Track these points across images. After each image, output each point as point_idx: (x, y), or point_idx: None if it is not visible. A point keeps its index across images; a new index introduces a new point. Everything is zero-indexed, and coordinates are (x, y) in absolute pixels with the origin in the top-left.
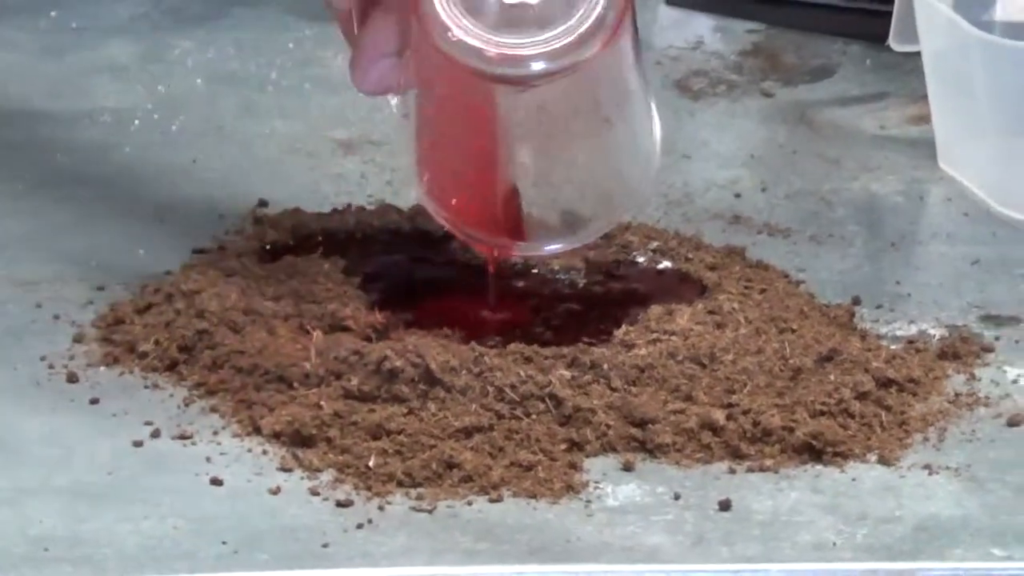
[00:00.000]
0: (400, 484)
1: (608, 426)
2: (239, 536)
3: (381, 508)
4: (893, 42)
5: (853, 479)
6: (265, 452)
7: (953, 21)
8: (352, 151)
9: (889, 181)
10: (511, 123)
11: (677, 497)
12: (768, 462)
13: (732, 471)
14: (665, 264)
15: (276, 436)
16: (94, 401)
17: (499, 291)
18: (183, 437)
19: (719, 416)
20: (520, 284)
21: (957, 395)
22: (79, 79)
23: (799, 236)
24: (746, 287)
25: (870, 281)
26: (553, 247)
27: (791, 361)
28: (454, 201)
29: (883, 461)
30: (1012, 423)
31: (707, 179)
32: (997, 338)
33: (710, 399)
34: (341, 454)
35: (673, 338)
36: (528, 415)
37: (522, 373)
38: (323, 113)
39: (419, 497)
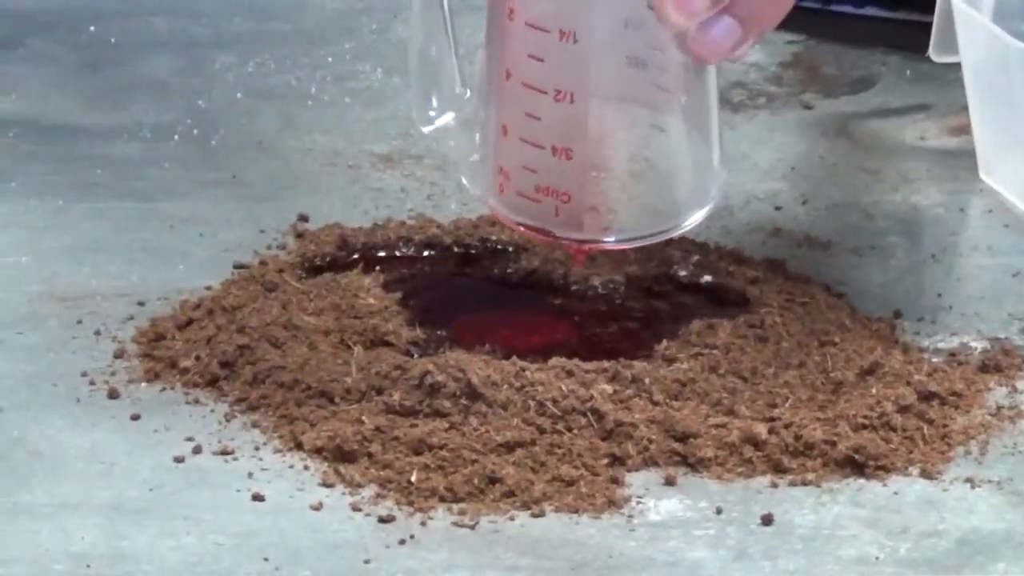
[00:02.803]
0: (442, 499)
1: (650, 440)
2: (281, 552)
3: (423, 524)
4: (933, 53)
5: (895, 493)
6: (307, 468)
7: (993, 32)
8: (392, 165)
9: (930, 193)
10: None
11: (719, 511)
12: (810, 476)
13: (774, 485)
14: (706, 278)
15: (318, 451)
16: (135, 417)
17: (541, 307)
18: (224, 453)
19: (761, 430)
20: (561, 299)
21: (999, 408)
22: (118, 94)
23: (840, 249)
24: (787, 300)
25: (911, 294)
26: (633, 242)
27: (833, 375)
28: (536, 200)
29: (925, 474)
30: None
31: (747, 192)
32: None
33: (752, 413)
34: (383, 469)
35: (714, 352)
36: (570, 429)
37: (564, 388)
38: (363, 127)
39: (461, 512)
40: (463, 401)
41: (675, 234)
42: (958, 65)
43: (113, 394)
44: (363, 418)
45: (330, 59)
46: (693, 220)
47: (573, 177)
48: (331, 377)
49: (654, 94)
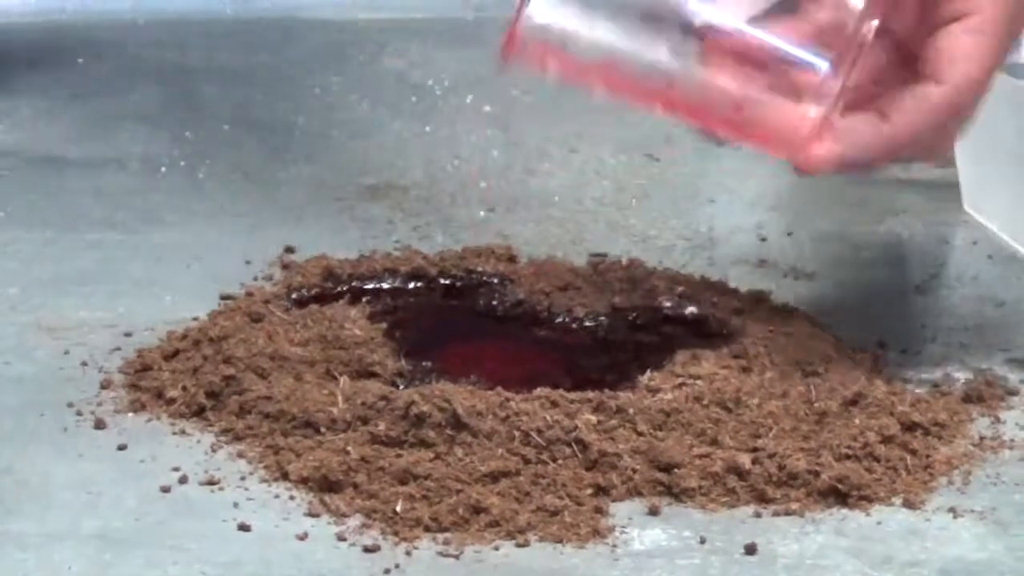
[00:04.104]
0: (427, 529)
1: (634, 470)
2: None
3: (408, 553)
4: None
5: (878, 522)
6: (292, 498)
7: None
8: (379, 197)
9: (914, 225)
10: None
11: (703, 541)
12: (794, 506)
13: (758, 515)
14: (691, 309)
15: (303, 481)
16: (122, 447)
17: (526, 338)
18: (210, 483)
19: (745, 460)
20: (546, 331)
21: (982, 438)
22: (106, 125)
23: (824, 280)
24: (771, 331)
25: (895, 325)
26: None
27: (816, 405)
28: None
29: (908, 504)
30: None
31: (732, 223)
32: (1022, 381)
33: (736, 443)
34: (368, 499)
35: (698, 382)
36: (554, 459)
37: (548, 418)
38: (350, 159)
39: (446, 542)
40: (448, 431)
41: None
42: None
43: (100, 424)
44: (348, 448)
45: (317, 90)
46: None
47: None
48: (317, 407)
49: None
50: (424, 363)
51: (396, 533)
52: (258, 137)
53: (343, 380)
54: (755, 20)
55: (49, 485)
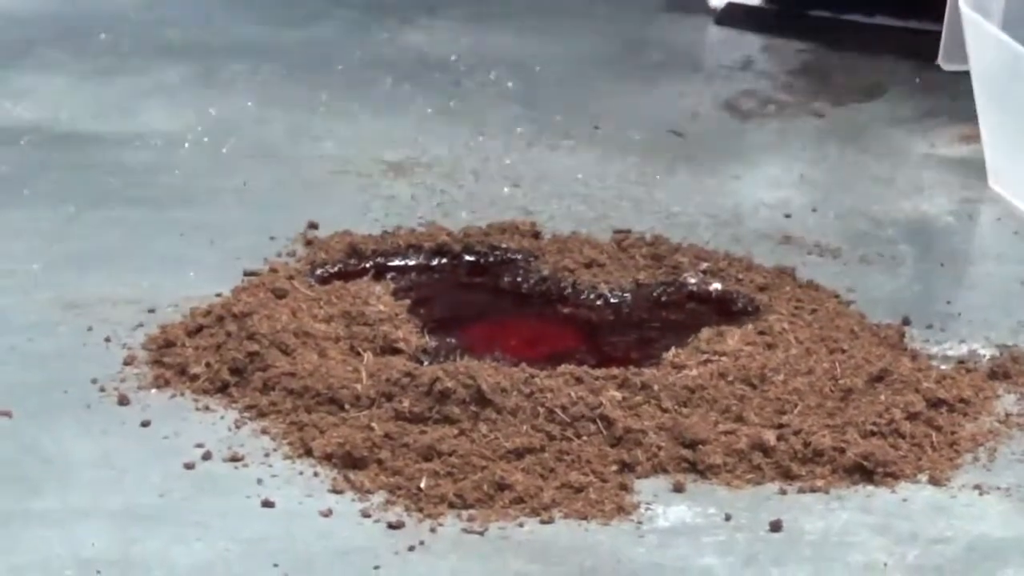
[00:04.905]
0: (451, 506)
1: (659, 447)
2: (291, 558)
3: (432, 530)
4: (942, 61)
5: (904, 499)
6: (316, 474)
7: (1002, 40)
8: (402, 173)
9: (939, 201)
10: None
11: (728, 518)
12: (819, 483)
13: (783, 492)
14: (715, 285)
15: (327, 458)
16: (145, 423)
17: (550, 315)
18: (234, 459)
19: (770, 437)
20: (570, 308)
21: (1008, 415)
22: (129, 102)
23: (849, 256)
24: (796, 308)
25: (920, 301)
26: None
27: (842, 381)
28: None
29: (934, 481)
30: None
31: (757, 200)
32: None
33: (761, 420)
34: (392, 476)
35: (723, 359)
36: (579, 436)
37: (573, 394)
38: (373, 135)
39: (470, 519)
40: (472, 408)
41: None
42: (967, 74)
43: (123, 401)
44: (373, 425)
45: (340, 67)
46: None
47: None
48: (341, 384)
49: None
50: (448, 339)
51: (421, 510)
52: (281, 114)
53: (367, 356)
54: None
55: (72, 462)
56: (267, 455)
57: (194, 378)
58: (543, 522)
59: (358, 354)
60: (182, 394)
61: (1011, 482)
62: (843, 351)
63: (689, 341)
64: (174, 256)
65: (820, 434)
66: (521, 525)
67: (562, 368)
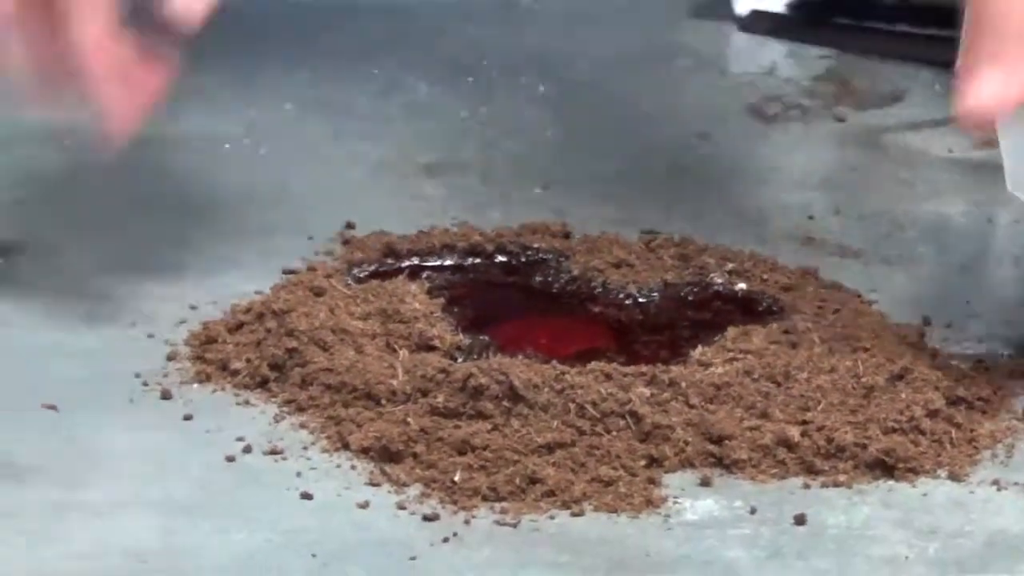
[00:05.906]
0: (485, 499)
1: (686, 442)
2: (329, 549)
3: (467, 522)
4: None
5: (924, 494)
6: (354, 467)
7: None
8: (436, 174)
9: (958, 204)
10: None
11: (753, 511)
12: (841, 477)
13: (806, 486)
14: (741, 285)
15: (364, 452)
16: (187, 417)
17: (581, 313)
18: (274, 452)
19: (794, 433)
20: (600, 307)
21: None
22: (169, 104)
23: (871, 257)
24: (819, 307)
25: (940, 301)
26: None
27: (863, 379)
28: None
29: (953, 477)
30: None
31: (781, 202)
32: None
33: (785, 416)
34: (427, 469)
35: (749, 357)
36: (608, 431)
37: (603, 391)
38: (408, 137)
39: (503, 511)
40: (505, 403)
41: None
42: None
43: (166, 395)
44: (408, 419)
45: (376, 71)
46: None
47: None
48: (377, 380)
49: None
50: (481, 337)
51: (455, 502)
52: (319, 116)
53: (403, 353)
54: None
55: (116, 455)
56: (306, 448)
57: (235, 373)
58: (574, 515)
59: (394, 351)
60: (223, 389)
61: None
62: (865, 350)
63: (715, 340)
64: (215, 255)
65: (843, 430)
66: (552, 518)
67: (592, 365)
